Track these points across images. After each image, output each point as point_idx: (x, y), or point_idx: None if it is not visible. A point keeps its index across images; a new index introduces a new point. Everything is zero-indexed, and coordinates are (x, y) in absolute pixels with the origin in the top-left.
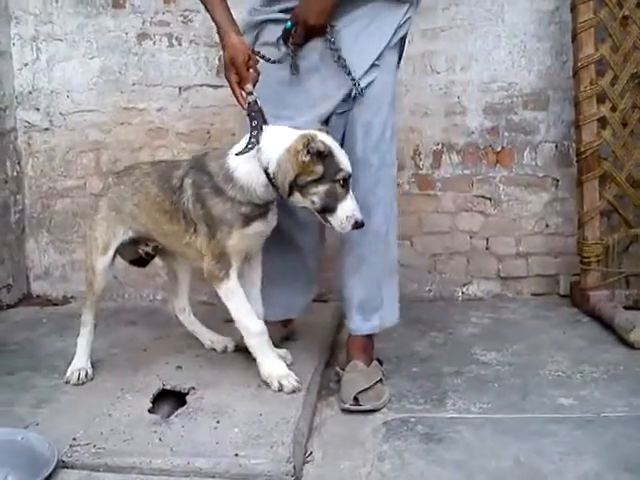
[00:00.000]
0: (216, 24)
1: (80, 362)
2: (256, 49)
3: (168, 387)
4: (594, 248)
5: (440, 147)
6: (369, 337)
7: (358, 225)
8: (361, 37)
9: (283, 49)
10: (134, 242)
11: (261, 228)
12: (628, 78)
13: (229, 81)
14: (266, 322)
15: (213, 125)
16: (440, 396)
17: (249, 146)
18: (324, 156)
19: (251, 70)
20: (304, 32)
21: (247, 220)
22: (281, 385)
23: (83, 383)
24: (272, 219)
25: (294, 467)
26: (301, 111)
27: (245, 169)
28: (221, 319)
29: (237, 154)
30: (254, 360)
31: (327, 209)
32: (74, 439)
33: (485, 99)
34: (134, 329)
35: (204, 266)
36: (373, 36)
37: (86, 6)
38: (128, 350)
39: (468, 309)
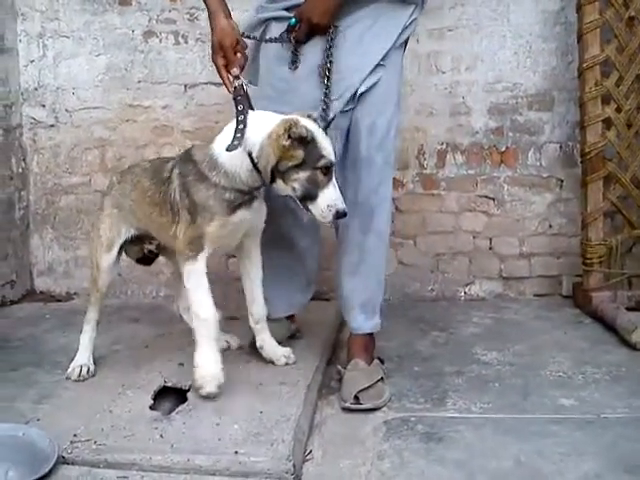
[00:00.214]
0: (207, 6)
1: (82, 358)
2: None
3: (169, 384)
4: (597, 249)
5: (444, 147)
6: (370, 336)
7: (340, 215)
8: (365, 37)
9: (286, 45)
10: (138, 240)
11: (245, 217)
12: (633, 79)
13: (216, 64)
14: (271, 319)
15: (218, 123)
16: (441, 395)
17: (234, 142)
18: (306, 142)
19: (239, 54)
20: (307, 30)
21: (231, 207)
22: (202, 384)
23: (84, 379)
24: (259, 209)
25: (294, 465)
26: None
27: (231, 158)
28: (224, 316)
29: (227, 149)
30: (255, 358)
31: (308, 197)
32: (75, 435)
33: (490, 99)
34: (137, 326)
35: (176, 245)
36: (378, 36)
37: (92, 3)
38: (130, 347)
39: (470, 309)
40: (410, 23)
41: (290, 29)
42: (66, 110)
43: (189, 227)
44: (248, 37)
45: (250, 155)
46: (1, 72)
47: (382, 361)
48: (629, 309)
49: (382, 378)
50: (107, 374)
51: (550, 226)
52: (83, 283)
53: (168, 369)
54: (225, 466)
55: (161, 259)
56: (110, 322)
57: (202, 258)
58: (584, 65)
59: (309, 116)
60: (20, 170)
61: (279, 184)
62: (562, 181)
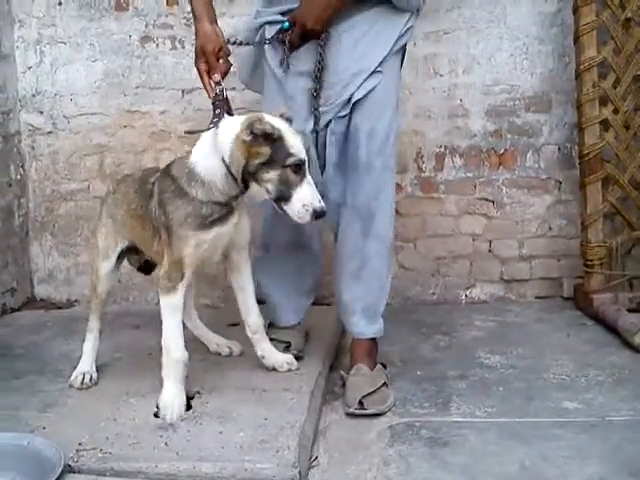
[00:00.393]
0: (192, 11)
1: (85, 366)
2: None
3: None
4: (597, 251)
5: (443, 150)
6: (373, 341)
7: (318, 215)
8: (361, 42)
9: (277, 48)
10: (135, 249)
11: (221, 232)
12: (630, 81)
13: (198, 69)
14: (285, 328)
15: None
16: (445, 400)
17: (203, 129)
18: (272, 139)
19: (221, 60)
20: (300, 34)
21: (206, 224)
22: (164, 416)
23: (87, 387)
24: (238, 224)
25: (300, 472)
26: (301, 117)
27: (205, 163)
28: (226, 322)
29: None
30: (258, 364)
31: (282, 197)
32: (80, 444)
33: (488, 102)
34: (138, 333)
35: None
36: (374, 42)
37: (89, 9)
38: (132, 354)
39: (472, 312)
40: (406, 31)
41: (282, 32)
42: (64, 116)
43: (168, 250)
44: (234, 43)
45: (224, 161)
46: None
47: (385, 366)
48: (630, 311)
49: (385, 383)
50: (110, 382)
51: (550, 228)
52: (84, 290)
53: None
54: (231, 473)
55: None
56: (112, 329)
57: (181, 288)
58: (581, 67)
59: (282, 115)
60: (19, 177)
61: (254, 187)
62: (561, 183)
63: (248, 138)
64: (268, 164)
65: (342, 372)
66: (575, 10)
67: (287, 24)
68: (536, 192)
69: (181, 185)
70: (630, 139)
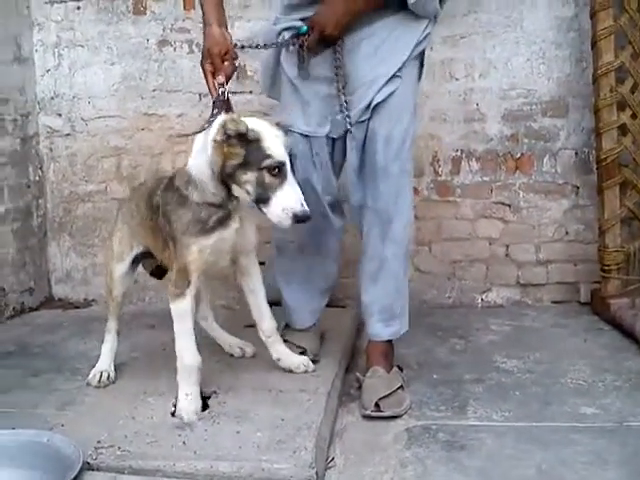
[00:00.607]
0: (203, 13)
1: (102, 365)
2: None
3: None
4: (615, 256)
5: (459, 154)
6: (389, 343)
7: (299, 219)
8: (381, 49)
9: (293, 53)
10: (150, 253)
11: (223, 237)
12: None
13: (203, 70)
14: (300, 330)
15: None
16: (461, 403)
17: (195, 132)
18: (247, 140)
19: (226, 63)
20: (317, 39)
21: (206, 229)
22: (181, 420)
23: (104, 385)
24: (240, 229)
25: (317, 472)
26: (315, 122)
27: (197, 164)
28: (242, 324)
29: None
30: (274, 365)
31: (261, 200)
32: (99, 442)
33: (504, 106)
34: (154, 332)
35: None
36: (393, 48)
37: (107, 13)
38: (149, 354)
39: (488, 316)
40: (424, 38)
41: (299, 36)
42: (82, 119)
43: (175, 259)
44: (242, 47)
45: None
46: (18, 82)
47: (401, 369)
48: None
49: (402, 386)
50: (127, 381)
51: (567, 233)
52: (100, 290)
53: None
54: (248, 473)
55: None
56: (129, 329)
57: (189, 294)
58: (599, 72)
59: (277, 123)
60: (37, 178)
61: (235, 189)
62: (578, 188)
63: (220, 138)
64: (244, 166)
65: (358, 374)
66: (593, 15)
67: (305, 28)
68: (553, 197)
69: (181, 191)
70: None
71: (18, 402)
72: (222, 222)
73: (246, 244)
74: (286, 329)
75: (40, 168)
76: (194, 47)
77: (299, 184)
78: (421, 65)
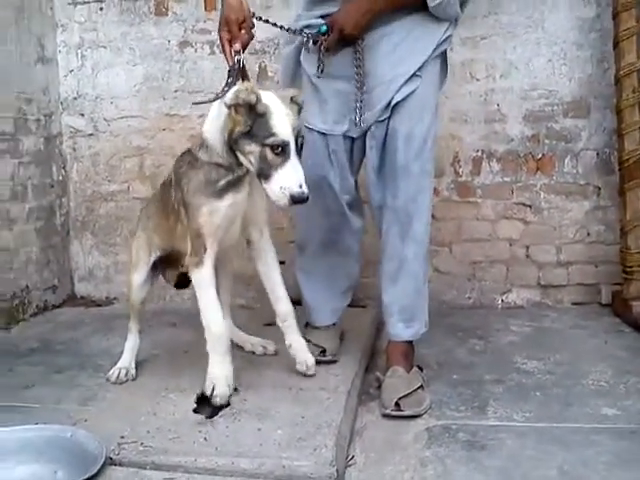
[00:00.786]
0: None
1: (123, 362)
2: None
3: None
4: (637, 257)
5: (480, 154)
6: (410, 343)
7: (296, 200)
8: (400, 47)
9: (312, 52)
10: (171, 263)
11: (236, 200)
12: None
13: (220, 38)
14: (320, 329)
15: None
16: (481, 404)
17: (211, 98)
18: (256, 113)
19: (243, 31)
20: (337, 39)
21: (217, 191)
22: (213, 391)
23: (122, 382)
24: (251, 195)
25: (337, 470)
26: (332, 120)
27: (210, 129)
28: (261, 322)
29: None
30: (294, 364)
31: (263, 175)
32: (122, 437)
33: (525, 107)
34: (175, 330)
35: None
36: (413, 47)
37: (129, 14)
38: (170, 351)
39: (508, 317)
40: (445, 40)
41: (319, 35)
42: (105, 119)
43: (188, 225)
44: (259, 19)
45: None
46: (42, 82)
47: (421, 369)
48: None
49: (422, 385)
50: (149, 378)
51: (588, 234)
52: (122, 288)
53: None
54: (269, 470)
55: None
56: (150, 327)
57: (208, 261)
58: (621, 72)
59: (292, 98)
60: (60, 178)
61: (241, 158)
62: (599, 189)
63: (230, 103)
64: (249, 137)
65: (378, 374)
66: (615, 15)
67: (325, 27)
68: (574, 198)
69: (193, 154)
70: None
71: (42, 398)
72: (233, 186)
73: (256, 214)
74: (306, 327)
75: (63, 168)
76: (215, 48)
77: (320, 171)
78: (444, 66)
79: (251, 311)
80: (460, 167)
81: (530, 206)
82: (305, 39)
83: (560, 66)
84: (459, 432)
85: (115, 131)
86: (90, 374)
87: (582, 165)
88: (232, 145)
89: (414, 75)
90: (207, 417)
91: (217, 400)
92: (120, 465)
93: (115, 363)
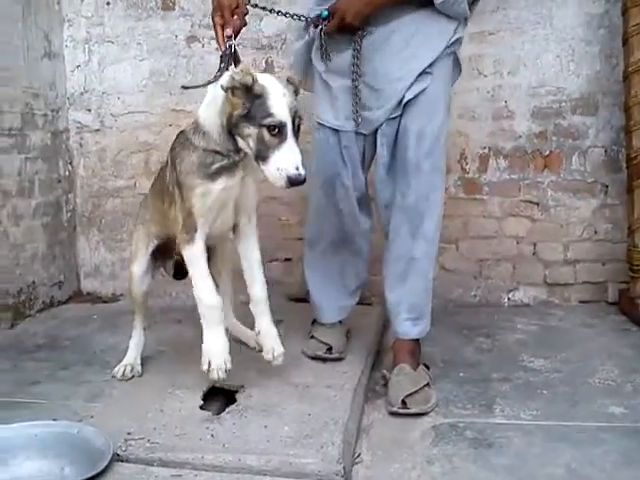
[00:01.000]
0: None
1: (128, 359)
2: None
3: (218, 385)
4: None
5: (487, 151)
6: (416, 341)
7: (292, 181)
8: (411, 43)
9: (312, 32)
10: (167, 252)
11: (228, 185)
12: None
13: (213, 22)
14: (326, 326)
15: None
16: (488, 402)
17: (202, 83)
18: (253, 94)
19: (235, 17)
20: (337, 25)
21: (210, 173)
22: (209, 365)
23: (128, 379)
24: (244, 181)
25: (344, 468)
26: (343, 116)
27: (206, 114)
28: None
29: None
30: (301, 361)
31: (260, 157)
32: (129, 433)
33: (533, 103)
34: (181, 327)
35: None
36: (423, 44)
37: (136, 9)
38: (176, 348)
39: (514, 315)
40: (456, 39)
41: (321, 20)
42: (111, 114)
43: (180, 206)
44: (254, 6)
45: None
46: (49, 77)
47: (427, 367)
48: None
49: (428, 383)
50: (155, 375)
51: (595, 232)
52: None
53: None
54: (276, 467)
55: None
56: (156, 323)
57: (198, 240)
58: (629, 69)
59: (288, 79)
60: (67, 173)
61: (240, 142)
62: (607, 186)
63: (227, 86)
64: (247, 119)
65: (385, 371)
66: (624, 11)
67: (326, 13)
68: (582, 195)
69: (188, 136)
70: None
71: (48, 394)
72: (227, 170)
73: (247, 201)
74: (313, 324)
75: (70, 163)
76: None
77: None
78: (456, 64)
79: None
80: (467, 164)
81: (537, 204)
82: (305, 22)
83: (568, 62)
84: (466, 430)
85: (122, 127)
86: (96, 370)
87: (590, 162)
88: (231, 129)
89: (425, 72)
90: (214, 414)
91: (214, 374)
92: (127, 461)
93: (121, 360)
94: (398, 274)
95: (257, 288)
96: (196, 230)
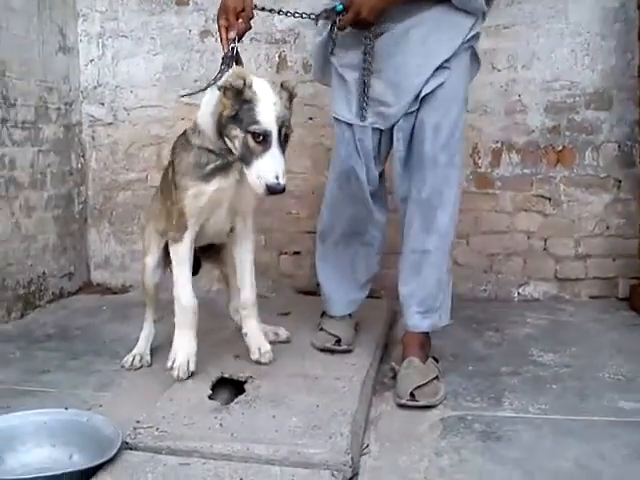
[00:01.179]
0: None
1: (138, 349)
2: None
3: (227, 375)
4: None
5: (499, 145)
6: (426, 334)
7: (271, 190)
8: (429, 39)
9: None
10: None
11: (222, 186)
12: None
13: (218, 25)
14: (336, 319)
15: None
16: (497, 395)
17: (200, 89)
18: (242, 98)
19: (240, 20)
20: (352, 20)
21: (204, 174)
22: (173, 364)
23: (137, 368)
24: (239, 183)
25: (352, 458)
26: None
27: (204, 114)
28: (275, 312)
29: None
30: (309, 353)
31: (244, 160)
32: (137, 422)
33: (547, 98)
34: None
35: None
36: (441, 39)
37: (150, 3)
38: None
39: (524, 310)
40: (473, 35)
41: (335, 14)
42: (124, 108)
43: (174, 204)
44: (262, 9)
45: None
46: (62, 71)
47: (437, 360)
48: None
49: (437, 376)
50: (164, 365)
51: (607, 227)
52: (138, 276)
53: (224, 361)
54: (284, 456)
55: None
56: (166, 314)
57: (187, 239)
58: None
59: (282, 84)
60: (79, 166)
61: (227, 142)
62: (620, 181)
63: (220, 86)
64: (235, 122)
65: (394, 364)
66: (639, 5)
67: (341, 7)
68: (594, 190)
69: (188, 136)
70: None
71: (58, 383)
72: (221, 171)
73: (244, 204)
74: (323, 316)
75: (82, 156)
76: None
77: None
78: (475, 58)
79: (265, 300)
80: (479, 158)
81: (549, 199)
82: (317, 18)
83: (583, 57)
84: (474, 423)
85: (134, 120)
86: (106, 360)
87: (603, 157)
88: (220, 129)
89: (443, 67)
90: (222, 403)
91: (175, 372)
92: (136, 449)
93: (130, 350)
94: (411, 267)
95: (247, 292)
96: (186, 229)
